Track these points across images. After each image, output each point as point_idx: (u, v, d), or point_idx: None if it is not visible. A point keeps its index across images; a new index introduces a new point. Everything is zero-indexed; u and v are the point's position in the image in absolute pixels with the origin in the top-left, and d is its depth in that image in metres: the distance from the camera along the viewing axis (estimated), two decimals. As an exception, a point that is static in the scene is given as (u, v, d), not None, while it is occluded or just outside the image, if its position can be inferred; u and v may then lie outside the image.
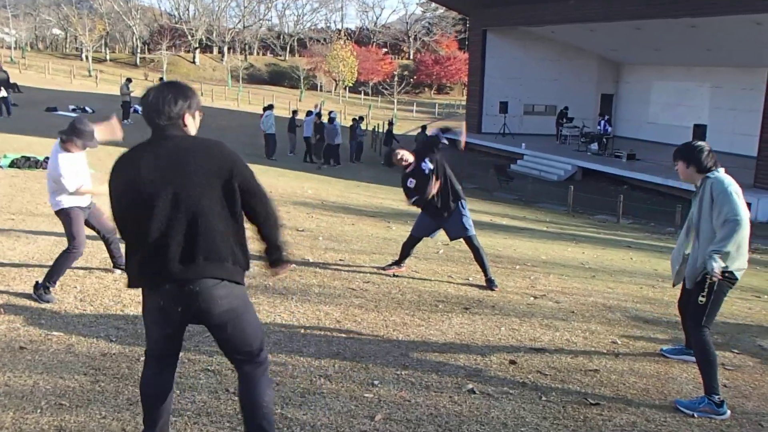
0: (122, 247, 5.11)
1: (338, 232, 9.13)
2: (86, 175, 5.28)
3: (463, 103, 55.45)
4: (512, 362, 4.55)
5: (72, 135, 5.07)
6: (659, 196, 20.29)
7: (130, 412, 3.36)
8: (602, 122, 26.31)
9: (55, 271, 5.06)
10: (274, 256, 2.82)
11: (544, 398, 4.01)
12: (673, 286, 4.66)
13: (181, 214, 2.57)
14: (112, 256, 5.75)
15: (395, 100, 56.42)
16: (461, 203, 6.50)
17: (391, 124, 27.71)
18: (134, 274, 2.70)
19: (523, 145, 26.72)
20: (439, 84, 69.08)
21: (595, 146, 25.62)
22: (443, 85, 69.68)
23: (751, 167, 20.93)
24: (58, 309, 4.85)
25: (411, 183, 6.41)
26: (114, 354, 4.09)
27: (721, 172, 4.15)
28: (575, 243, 11.65)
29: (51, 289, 5.02)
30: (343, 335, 4.80)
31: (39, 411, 3.32)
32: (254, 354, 2.79)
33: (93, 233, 5.55)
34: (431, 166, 6.37)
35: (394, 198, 15.96)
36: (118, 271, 5.75)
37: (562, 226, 15.06)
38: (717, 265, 3.94)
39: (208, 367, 3.93)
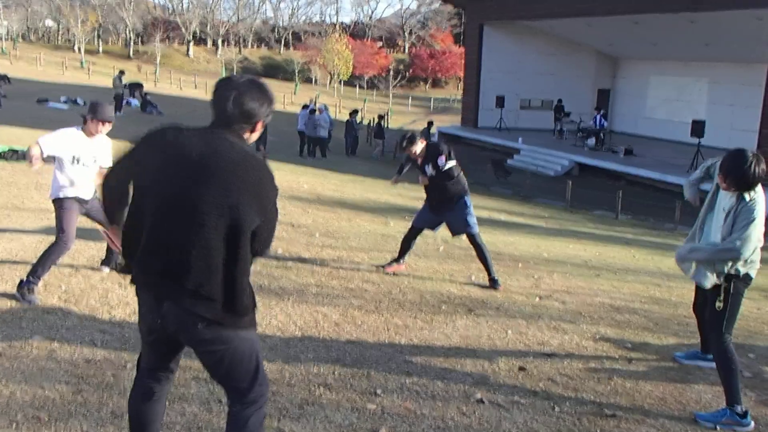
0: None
1: (335, 228, 8.87)
2: (90, 163, 5.00)
3: (458, 97, 55.28)
4: (522, 369, 4.30)
5: (88, 114, 4.87)
6: (657, 192, 20.04)
7: (114, 426, 3.10)
8: (597, 117, 26.07)
9: (40, 265, 4.78)
10: None
11: (557, 409, 3.77)
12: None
13: (189, 229, 2.29)
14: (108, 253, 5.48)
15: (390, 94, 56.10)
16: (466, 199, 6.27)
17: (381, 117, 27.37)
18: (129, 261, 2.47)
19: (520, 139, 26.47)
20: (434, 78, 68.80)
21: (592, 141, 25.38)
22: (438, 80, 69.38)
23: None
24: (41, 311, 4.57)
25: (428, 169, 6.18)
26: (98, 361, 3.82)
27: (757, 192, 3.87)
28: (576, 240, 11.41)
29: (35, 287, 4.74)
30: (343, 339, 4.55)
31: (14, 425, 3.05)
32: (242, 392, 2.46)
33: (78, 229, 5.26)
34: (444, 163, 6.15)
35: (391, 193, 15.72)
36: (106, 270, 5.48)
37: (561, 221, 14.83)
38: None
39: (199, 375, 3.67)
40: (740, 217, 3.83)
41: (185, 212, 2.29)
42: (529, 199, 19.22)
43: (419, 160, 6.22)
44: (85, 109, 5.01)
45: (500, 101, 29.47)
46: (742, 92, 25.45)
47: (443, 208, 6.27)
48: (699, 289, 4.47)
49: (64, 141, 4.86)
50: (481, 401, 3.77)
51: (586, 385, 4.15)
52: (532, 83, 31.41)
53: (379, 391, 3.76)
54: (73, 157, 4.88)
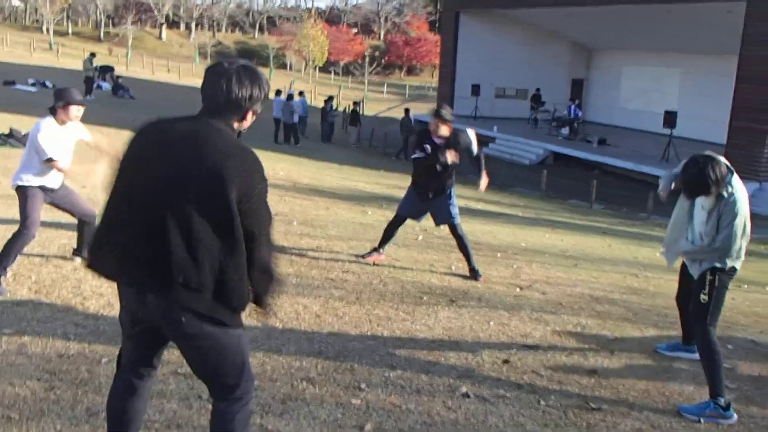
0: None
1: (312, 216, 8.76)
2: (68, 152, 4.84)
3: (434, 85, 55.16)
4: (506, 361, 4.26)
5: (57, 100, 4.68)
6: (630, 182, 20.20)
7: (89, 425, 2.98)
8: (571, 107, 26.20)
9: (4, 255, 4.62)
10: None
11: (543, 402, 3.73)
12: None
13: (173, 219, 2.18)
14: (80, 242, 5.31)
15: (366, 81, 55.81)
16: (452, 189, 6.21)
17: (356, 104, 27.17)
18: (97, 251, 2.35)
19: (495, 128, 26.49)
20: (409, 65, 68.58)
21: (566, 131, 25.50)
22: (413, 67, 69.19)
23: (720, 154, 20.98)
24: (10, 302, 4.41)
25: (427, 148, 6.02)
26: (72, 355, 3.69)
27: (735, 187, 3.84)
28: (552, 229, 11.44)
29: (1, 279, 4.58)
30: (325, 331, 4.46)
31: (-15, 424, 2.93)
32: (228, 389, 2.36)
33: (49, 217, 5.10)
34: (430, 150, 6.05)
35: (367, 181, 15.64)
36: (79, 259, 5.31)
37: (537, 210, 14.87)
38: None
39: (178, 370, 3.56)
40: (723, 216, 3.81)
41: (171, 203, 2.18)
42: (505, 187, 19.25)
43: (443, 141, 6.01)
44: (51, 99, 4.83)
45: (476, 90, 29.44)
46: (713, 83, 25.69)
47: (435, 196, 6.14)
48: (682, 281, 4.48)
49: (53, 137, 4.72)
50: (466, 395, 3.71)
51: (570, 377, 4.12)
52: (507, 72, 31.39)
53: (363, 386, 3.69)
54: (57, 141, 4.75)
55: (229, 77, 2.25)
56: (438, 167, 5.96)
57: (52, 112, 4.76)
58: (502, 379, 4.00)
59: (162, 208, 2.18)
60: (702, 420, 3.70)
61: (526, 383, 3.97)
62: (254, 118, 2.40)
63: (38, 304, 4.40)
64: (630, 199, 17.72)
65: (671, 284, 7.20)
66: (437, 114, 6.03)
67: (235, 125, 2.33)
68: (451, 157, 5.95)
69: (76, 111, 4.75)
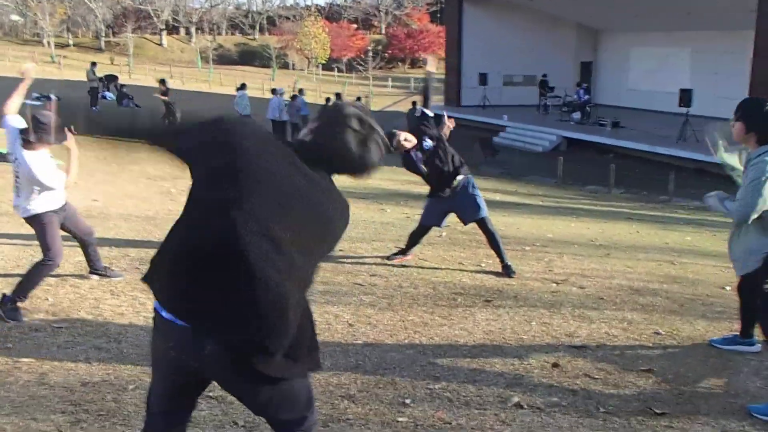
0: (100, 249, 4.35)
1: (331, 218, 8.49)
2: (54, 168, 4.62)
3: (439, 75, 54.79)
4: (555, 365, 3.99)
5: (34, 133, 4.38)
6: (647, 164, 19.82)
7: (120, 463, 2.75)
8: (579, 91, 25.80)
9: (26, 284, 4.39)
10: None
11: (602, 409, 3.46)
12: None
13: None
14: (89, 261, 5.09)
15: (370, 76, 55.46)
16: (470, 182, 5.92)
17: (358, 99, 26.84)
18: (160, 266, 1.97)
19: (505, 116, 26.13)
20: (412, 58, 68.11)
21: (577, 115, 25.11)
22: (417, 59, 68.71)
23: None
24: (28, 328, 4.18)
25: (417, 157, 5.74)
26: (96, 383, 3.45)
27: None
28: (576, 218, 11.14)
29: (20, 304, 4.35)
30: (360, 342, 4.21)
31: (7, 468, 2.69)
32: (293, 425, 2.10)
33: (62, 233, 4.87)
34: (431, 144, 5.77)
35: (381, 177, 15.34)
36: (96, 278, 5.09)
37: (556, 199, 14.56)
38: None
39: (210, 394, 3.31)
40: (749, 172, 3.53)
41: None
42: (520, 177, 18.93)
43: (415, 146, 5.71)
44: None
45: (483, 79, 29.09)
46: (725, 60, 25.24)
47: (449, 184, 5.83)
48: None
49: (47, 165, 4.48)
50: (519, 405, 3.45)
51: (626, 379, 3.85)
52: (514, 59, 31.03)
53: (408, 401, 3.43)
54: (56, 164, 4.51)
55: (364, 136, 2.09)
56: (438, 159, 5.75)
57: (30, 146, 4.43)
58: (554, 386, 3.73)
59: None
60: (775, 420, 3.43)
61: (580, 388, 3.71)
62: None
63: (57, 329, 4.17)
64: (648, 181, 17.36)
65: (709, 270, 6.97)
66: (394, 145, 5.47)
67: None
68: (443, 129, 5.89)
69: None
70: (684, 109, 20.19)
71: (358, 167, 2.07)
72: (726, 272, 6.24)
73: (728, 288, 5.97)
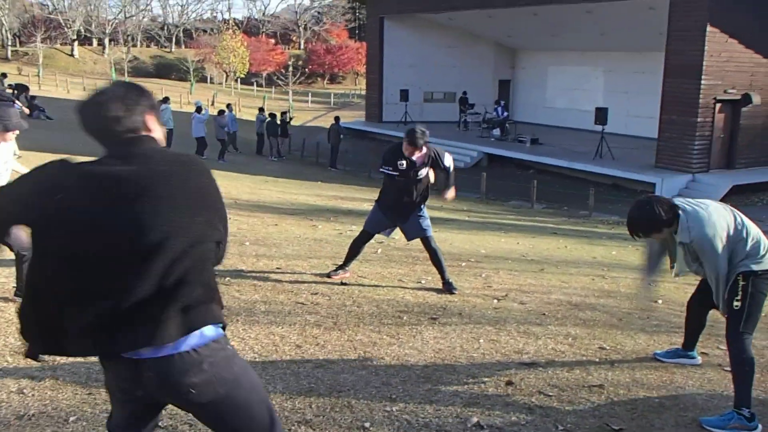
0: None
1: (263, 234, 8.30)
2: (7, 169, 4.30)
3: (357, 92, 54.97)
4: (509, 383, 3.96)
5: None
6: (566, 180, 20.46)
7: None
8: (498, 108, 26.43)
9: None
10: None
11: (560, 427, 3.44)
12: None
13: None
14: (18, 279, 4.71)
15: (290, 91, 55.08)
16: (421, 209, 5.93)
17: (284, 114, 26.51)
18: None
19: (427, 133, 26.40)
20: (331, 73, 68.19)
21: (497, 132, 25.69)
22: (336, 75, 68.84)
23: (643, 147, 21.66)
24: (-55, 358, 3.83)
25: (401, 164, 5.70)
26: (32, 415, 3.17)
27: (690, 216, 3.66)
28: (504, 232, 11.31)
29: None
30: (310, 364, 4.06)
31: None
32: None
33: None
34: (424, 172, 5.82)
35: (308, 193, 15.20)
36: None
37: (482, 214, 14.78)
38: None
39: (160, 424, 3.09)
40: (698, 248, 3.62)
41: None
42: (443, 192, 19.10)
43: (420, 160, 5.74)
44: None
45: (404, 95, 29.36)
46: (636, 80, 26.45)
47: (406, 212, 5.85)
48: (702, 287, 4.20)
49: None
50: (479, 426, 3.39)
51: (579, 396, 3.86)
52: (434, 76, 31.52)
53: (367, 425, 3.31)
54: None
55: (105, 99, 1.93)
56: (410, 187, 5.70)
57: None
58: (510, 404, 3.69)
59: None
60: (726, 432, 3.50)
61: (536, 406, 3.68)
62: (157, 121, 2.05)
63: (-20, 358, 3.83)
64: (568, 196, 17.89)
65: (639, 284, 7.15)
66: (413, 142, 5.65)
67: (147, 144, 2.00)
68: (430, 174, 5.84)
69: (13, 135, 4.21)
70: (599, 127, 20.95)
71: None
72: (654, 287, 6.41)
73: (660, 302, 6.15)
